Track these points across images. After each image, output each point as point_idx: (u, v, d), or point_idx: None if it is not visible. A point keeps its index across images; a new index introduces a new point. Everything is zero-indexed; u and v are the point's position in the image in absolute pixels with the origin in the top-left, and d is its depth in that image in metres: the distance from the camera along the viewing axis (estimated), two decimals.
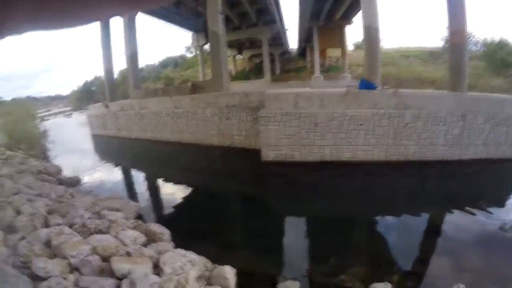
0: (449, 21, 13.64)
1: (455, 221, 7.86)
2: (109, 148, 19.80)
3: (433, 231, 7.59)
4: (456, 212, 8.22)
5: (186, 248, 5.24)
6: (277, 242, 6.81)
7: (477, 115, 11.83)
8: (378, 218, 8.14)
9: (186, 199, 9.63)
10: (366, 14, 13.29)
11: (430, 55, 47.63)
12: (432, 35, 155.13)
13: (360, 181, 10.82)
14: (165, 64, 67.77)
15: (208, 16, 17.02)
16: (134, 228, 6.10)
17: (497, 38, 42.80)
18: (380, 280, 5.04)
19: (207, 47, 35.69)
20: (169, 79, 51.63)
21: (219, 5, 16.42)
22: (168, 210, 8.88)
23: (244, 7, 29.13)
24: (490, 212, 8.22)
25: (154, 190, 10.99)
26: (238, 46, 50.44)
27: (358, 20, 35.94)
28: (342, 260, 5.81)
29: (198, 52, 43.07)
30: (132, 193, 10.36)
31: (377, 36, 13.36)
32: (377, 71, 13.27)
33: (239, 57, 57.98)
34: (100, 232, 5.63)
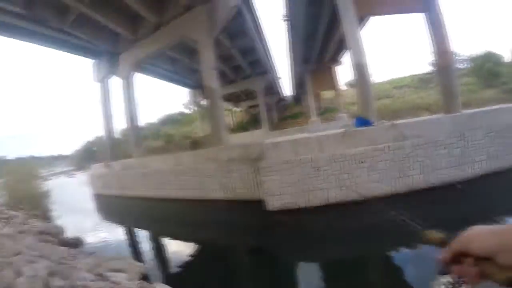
0: (433, 45, 14.24)
1: None
2: (112, 207, 19.59)
3: None
4: None
5: None
6: None
7: (475, 131, 11.98)
8: (392, 253, 7.82)
9: (192, 255, 9.27)
10: (353, 53, 13.76)
11: (421, 81, 49.18)
12: (421, 61, 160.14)
13: (367, 219, 10.45)
14: (164, 121, 69.93)
15: (203, 72, 17.56)
16: None
17: (481, 52, 44.94)
18: None
19: (204, 102, 36.56)
20: (169, 136, 52.97)
21: (212, 61, 17.04)
22: (173, 268, 8.53)
23: (237, 60, 30.26)
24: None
25: (159, 249, 10.61)
26: (234, 99, 52.00)
27: (347, 59, 37.26)
28: None
29: (196, 108, 44.03)
30: (136, 253, 10.03)
31: (367, 72, 13.72)
32: (372, 107, 13.53)
33: (236, 109, 59.28)
34: None
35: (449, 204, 10.81)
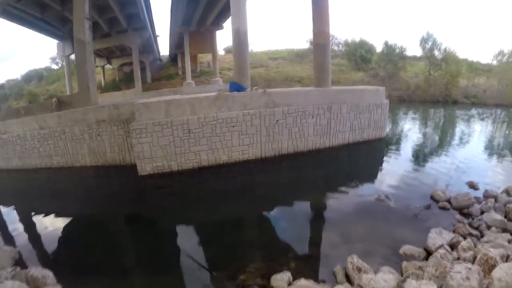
0: (313, 23, 15.05)
1: (337, 200, 8.65)
2: None
3: (318, 213, 8.27)
4: (336, 193, 9.15)
5: (75, 287, 4.50)
6: (171, 258, 6.41)
7: (341, 106, 13.44)
8: (264, 212, 8.38)
9: (66, 231, 8.28)
10: (235, 19, 13.70)
11: (297, 56, 53.14)
12: (298, 37, 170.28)
13: (240, 181, 11.13)
14: (28, 78, 59.99)
15: (74, 22, 15.36)
16: (13, 277, 5.06)
17: (357, 39, 51.52)
18: (279, 270, 5.15)
19: (74, 57, 32.90)
20: (34, 95, 46.60)
21: (86, 10, 14.80)
22: (48, 248, 7.40)
23: (113, 11, 27.55)
24: (365, 187, 9.48)
25: (29, 228, 9.00)
26: (107, 55, 47.89)
27: (228, 25, 37.39)
28: (239, 261, 5.79)
29: (64, 63, 39.57)
30: (5, 236, 8.38)
31: (246, 40, 13.87)
32: (247, 73, 13.82)
33: (108, 66, 54.95)
34: None
35: (312, 168, 12.12)
